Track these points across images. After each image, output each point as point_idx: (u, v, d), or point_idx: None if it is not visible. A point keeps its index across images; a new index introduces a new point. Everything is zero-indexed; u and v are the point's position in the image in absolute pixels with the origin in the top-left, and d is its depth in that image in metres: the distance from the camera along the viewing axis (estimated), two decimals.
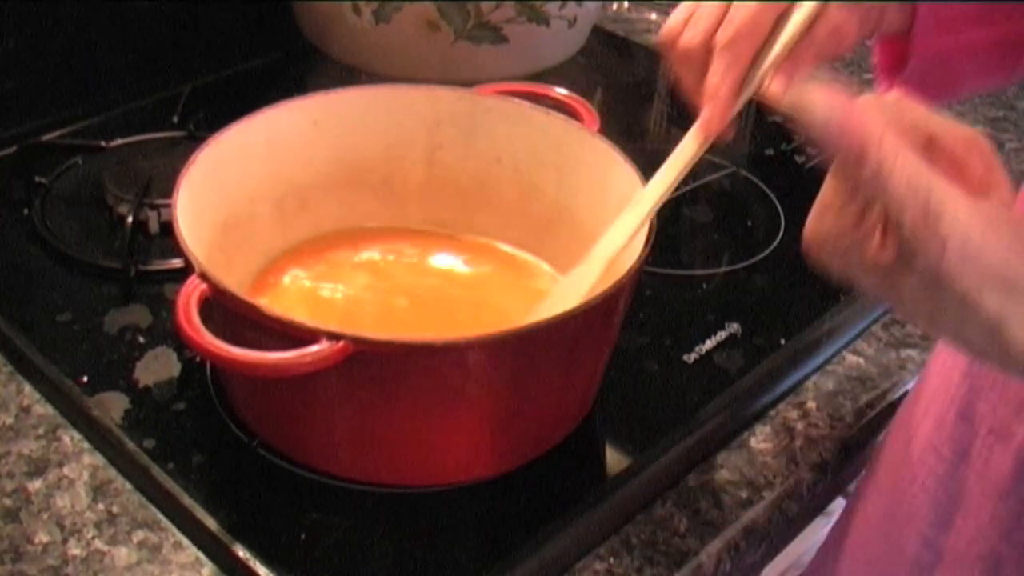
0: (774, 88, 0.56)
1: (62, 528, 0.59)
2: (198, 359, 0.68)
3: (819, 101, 0.41)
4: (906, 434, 0.62)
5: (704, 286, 0.79)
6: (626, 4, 1.24)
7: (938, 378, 0.61)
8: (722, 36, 0.56)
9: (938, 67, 0.59)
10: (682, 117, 0.60)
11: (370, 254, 0.72)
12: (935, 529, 0.57)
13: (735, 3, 0.55)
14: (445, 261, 0.72)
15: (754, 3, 0.55)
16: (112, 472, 0.62)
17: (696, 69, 0.57)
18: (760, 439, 0.69)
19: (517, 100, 0.71)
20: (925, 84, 0.55)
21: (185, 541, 0.59)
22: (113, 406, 0.64)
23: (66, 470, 0.62)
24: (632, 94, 1.06)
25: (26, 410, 0.65)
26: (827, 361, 0.75)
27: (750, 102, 0.59)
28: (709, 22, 0.56)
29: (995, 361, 0.42)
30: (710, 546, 0.62)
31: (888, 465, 0.64)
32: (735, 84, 0.56)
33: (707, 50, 0.56)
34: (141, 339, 0.69)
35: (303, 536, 0.58)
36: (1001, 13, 0.58)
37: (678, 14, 0.58)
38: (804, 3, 0.55)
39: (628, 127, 0.96)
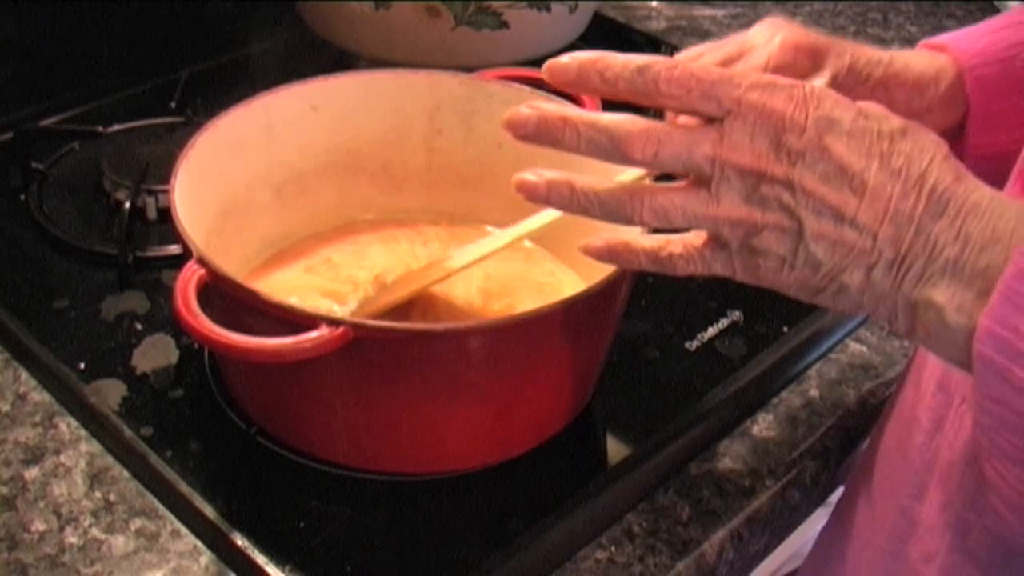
0: None
1: (59, 516, 0.58)
2: (196, 346, 0.67)
3: None
4: (892, 407, 0.62)
5: None
6: None
7: (921, 349, 0.60)
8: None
9: (999, 167, 0.54)
10: None
11: (370, 240, 0.72)
12: (910, 499, 0.58)
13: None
14: (446, 248, 0.72)
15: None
16: (109, 460, 0.62)
17: None
18: (763, 427, 0.68)
19: (518, 85, 0.70)
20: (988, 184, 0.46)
21: (183, 529, 0.58)
22: (110, 393, 0.64)
23: (63, 458, 0.61)
24: None
25: (23, 397, 0.65)
26: (830, 349, 0.75)
27: None
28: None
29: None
30: (713, 535, 0.61)
31: (875, 439, 0.64)
32: None
33: None
34: (139, 326, 0.69)
35: (302, 524, 0.57)
36: None
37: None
38: None
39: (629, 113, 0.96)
